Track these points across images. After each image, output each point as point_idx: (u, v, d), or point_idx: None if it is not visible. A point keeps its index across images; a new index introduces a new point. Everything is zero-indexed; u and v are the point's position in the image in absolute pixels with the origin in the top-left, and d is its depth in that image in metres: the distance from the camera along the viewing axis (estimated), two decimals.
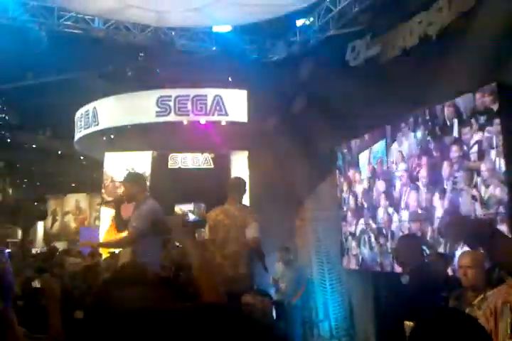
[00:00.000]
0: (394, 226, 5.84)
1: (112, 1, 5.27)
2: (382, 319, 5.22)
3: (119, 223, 4.45)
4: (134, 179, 4.49)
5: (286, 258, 6.97)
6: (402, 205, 5.69)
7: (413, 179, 5.47)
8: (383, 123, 6.00)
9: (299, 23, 6.99)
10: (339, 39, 6.47)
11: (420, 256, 4.11)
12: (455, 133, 4.83)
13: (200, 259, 1.84)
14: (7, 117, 11.23)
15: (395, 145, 5.87)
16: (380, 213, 6.14)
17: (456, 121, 4.83)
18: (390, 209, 5.93)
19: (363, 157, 6.59)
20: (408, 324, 2.93)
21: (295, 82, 7.20)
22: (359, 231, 6.67)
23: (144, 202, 4.20)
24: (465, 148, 4.69)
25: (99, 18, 6.69)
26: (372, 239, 6.29)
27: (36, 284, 2.67)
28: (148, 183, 12.63)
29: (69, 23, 6.72)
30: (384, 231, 6.06)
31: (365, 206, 6.51)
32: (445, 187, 4.95)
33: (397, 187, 5.81)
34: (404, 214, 5.64)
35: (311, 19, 6.81)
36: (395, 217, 5.82)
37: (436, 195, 5.06)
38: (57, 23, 6.65)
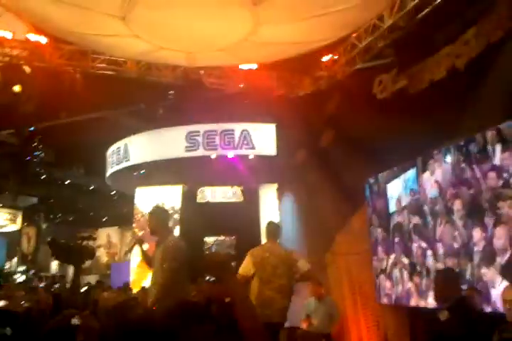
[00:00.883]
0: (428, 261, 5.66)
1: (144, 45, 5.48)
2: None
3: (148, 261, 4.63)
4: (157, 213, 4.68)
5: (318, 293, 6.83)
6: (437, 239, 5.52)
7: (448, 210, 5.30)
8: (413, 156, 5.93)
9: (325, 58, 7.10)
10: (365, 73, 6.53)
11: (458, 291, 3.97)
12: (496, 161, 4.57)
13: (242, 294, 1.83)
14: (43, 154, 11.62)
15: (427, 175, 5.72)
16: (412, 248, 5.98)
17: (498, 146, 4.56)
18: (423, 244, 5.77)
19: (393, 188, 6.48)
20: None
21: (322, 116, 7.25)
22: (390, 266, 6.50)
23: (167, 239, 4.40)
24: (505, 175, 4.47)
25: (131, 60, 6.96)
26: (405, 274, 6.11)
27: (75, 321, 2.69)
28: (178, 217, 12.82)
29: (102, 65, 7.01)
30: (417, 266, 5.88)
31: (396, 240, 6.37)
32: (485, 218, 4.74)
33: (430, 219, 5.65)
34: (439, 249, 5.46)
35: (337, 54, 6.91)
36: (429, 252, 5.64)
37: (475, 228, 4.86)
38: (91, 66, 6.95)
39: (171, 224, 12.90)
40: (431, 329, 4.12)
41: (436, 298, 4.07)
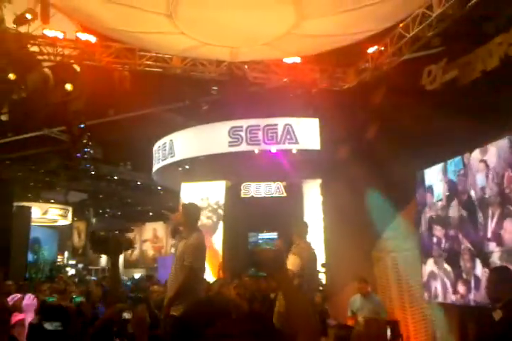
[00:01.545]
0: (478, 257, 5.44)
1: (189, 41, 5.55)
2: None
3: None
4: (189, 208, 4.80)
5: (364, 290, 6.73)
6: (489, 234, 5.29)
7: (504, 199, 5.01)
8: (464, 149, 5.71)
9: (370, 50, 6.95)
10: (413, 64, 6.35)
11: None
12: None
13: (296, 292, 1.79)
14: (92, 151, 12.02)
15: (476, 155, 5.45)
16: (461, 243, 5.76)
17: None
18: (473, 238, 5.54)
19: (440, 182, 6.26)
20: None
21: (367, 109, 7.10)
22: (439, 263, 6.31)
23: (191, 236, 4.49)
24: None
25: (177, 57, 7.06)
26: (455, 272, 5.90)
27: (126, 315, 2.76)
28: (221, 212, 12.94)
29: (149, 62, 7.15)
30: (467, 263, 5.66)
31: (442, 235, 6.16)
32: None
33: (480, 211, 5.38)
34: (491, 245, 5.23)
35: (383, 45, 6.75)
36: (479, 247, 5.42)
37: None
38: (138, 63, 7.09)
39: (214, 219, 13.09)
40: (483, 328, 3.99)
41: (490, 297, 3.93)
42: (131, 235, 19.96)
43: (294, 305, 1.72)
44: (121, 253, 2.84)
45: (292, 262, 4.80)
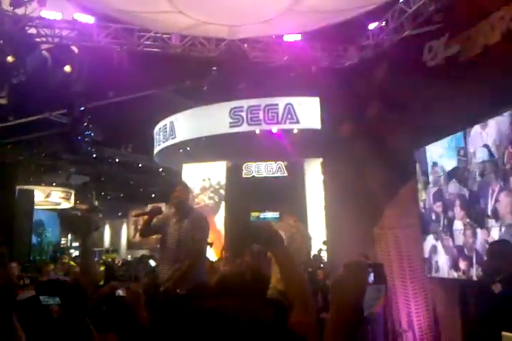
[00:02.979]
0: (479, 234, 5.50)
1: (188, 20, 5.50)
2: (473, 329, 4.94)
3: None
4: (188, 187, 4.80)
5: None
6: (489, 209, 5.32)
7: (506, 174, 5.02)
8: (464, 125, 5.71)
9: (371, 26, 6.88)
10: (414, 40, 6.30)
11: None
12: None
13: (292, 266, 1.79)
14: (92, 134, 12.00)
15: (476, 129, 5.43)
16: (461, 218, 5.81)
17: None
18: (474, 214, 5.58)
19: (440, 157, 6.28)
20: (507, 335, 2.76)
21: (369, 87, 7.07)
22: (439, 239, 6.37)
23: (194, 212, 4.56)
24: None
25: (176, 36, 7.00)
26: (455, 247, 5.97)
27: (120, 292, 2.81)
28: (223, 192, 13.02)
29: (148, 42, 7.09)
30: (469, 238, 5.73)
31: (443, 211, 6.21)
32: None
33: (479, 186, 5.40)
34: (491, 221, 5.27)
35: (384, 21, 6.68)
36: (480, 222, 5.46)
37: None
38: (138, 43, 7.04)
39: (216, 199, 13.17)
40: (483, 302, 4.05)
41: (489, 270, 3.99)
42: (133, 218, 20.09)
43: (290, 279, 1.74)
44: (90, 233, 2.77)
45: None
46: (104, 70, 7.78)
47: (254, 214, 12.73)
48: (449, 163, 6.03)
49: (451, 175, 5.99)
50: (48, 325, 2.19)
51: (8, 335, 1.50)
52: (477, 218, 5.52)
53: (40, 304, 2.43)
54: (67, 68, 7.31)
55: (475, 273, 5.60)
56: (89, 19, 6.76)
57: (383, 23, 6.76)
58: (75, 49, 7.34)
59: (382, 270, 1.37)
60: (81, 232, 2.66)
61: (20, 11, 6.33)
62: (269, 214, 12.61)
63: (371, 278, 1.36)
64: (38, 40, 7.03)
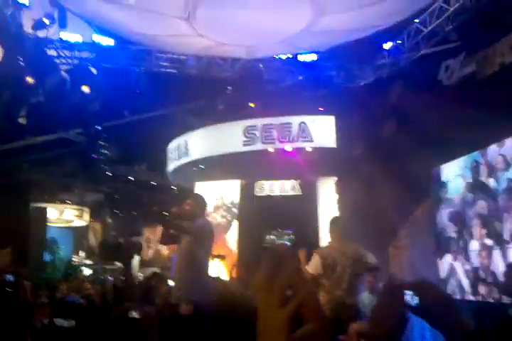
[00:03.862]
0: (495, 254, 5.39)
1: (204, 41, 5.59)
2: None
3: (165, 237, 4.50)
4: (201, 199, 4.57)
5: (371, 285, 6.62)
6: (508, 229, 5.24)
7: None
8: (480, 145, 5.67)
9: (387, 46, 6.93)
10: (430, 59, 6.32)
11: None
12: None
13: (307, 288, 1.78)
14: (107, 152, 12.11)
15: (493, 148, 5.38)
16: (478, 239, 5.72)
17: None
18: (491, 234, 5.49)
19: (456, 177, 6.22)
20: None
21: (385, 106, 7.09)
22: (456, 260, 6.27)
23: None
24: None
25: (193, 57, 7.11)
26: (471, 269, 5.86)
27: (134, 314, 2.78)
28: (236, 211, 12.97)
29: (165, 63, 7.21)
30: (485, 259, 5.62)
31: (459, 231, 6.12)
32: None
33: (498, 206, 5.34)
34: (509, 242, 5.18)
35: (400, 41, 6.72)
36: (498, 243, 5.37)
37: None
38: (155, 64, 7.16)
39: (229, 218, 13.13)
40: (500, 324, 3.96)
41: (508, 293, 3.91)
42: (145, 234, 20.09)
43: (308, 304, 1.70)
44: (131, 258, 2.81)
45: (311, 262, 4.63)
46: (120, 90, 7.90)
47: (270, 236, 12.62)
48: (466, 182, 5.98)
49: (468, 195, 5.93)
50: None
51: None
52: (497, 238, 5.44)
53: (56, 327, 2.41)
54: (86, 89, 7.44)
55: (491, 294, 5.48)
56: (108, 41, 6.90)
57: (399, 42, 6.80)
58: (93, 70, 7.48)
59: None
60: (123, 259, 2.69)
61: (41, 33, 6.48)
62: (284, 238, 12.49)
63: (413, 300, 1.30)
64: (57, 61, 7.19)
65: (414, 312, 1.27)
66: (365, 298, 6.61)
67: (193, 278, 4.03)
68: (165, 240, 4.61)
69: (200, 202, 4.52)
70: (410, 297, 1.26)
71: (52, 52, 7.06)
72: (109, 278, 14.26)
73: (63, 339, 2.26)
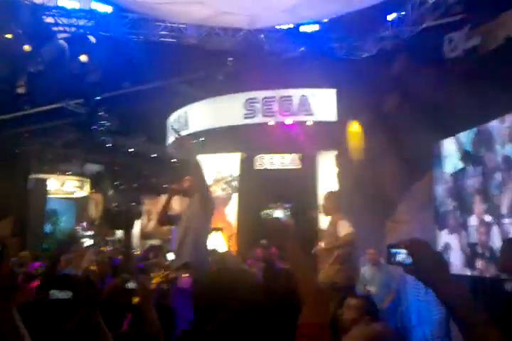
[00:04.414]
0: (493, 230, 5.43)
1: (205, 10, 5.47)
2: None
3: (163, 217, 4.42)
4: (201, 169, 4.33)
5: (374, 259, 6.68)
6: (504, 205, 5.24)
7: None
8: (482, 119, 5.62)
9: (390, 17, 6.79)
10: (434, 31, 6.20)
11: None
12: None
13: (304, 262, 1.76)
14: (108, 123, 12.04)
15: (495, 123, 5.32)
16: (474, 218, 5.74)
17: None
18: (489, 210, 5.51)
19: (455, 149, 6.18)
20: None
21: (387, 79, 6.99)
22: (453, 233, 6.31)
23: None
24: None
25: (192, 26, 6.97)
26: (467, 243, 5.91)
27: (131, 285, 2.79)
28: (236, 184, 13.02)
29: (164, 32, 7.08)
30: (482, 235, 5.66)
31: (458, 206, 6.14)
32: None
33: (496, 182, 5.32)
34: (507, 217, 5.19)
35: (403, 12, 6.58)
36: (495, 219, 5.40)
37: None
38: (154, 33, 7.03)
39: (229, 191, 13.18)
40: (495, 299, 4.02)
41: (503, 269, 3.94)
42: (146, 206, 20.21)
43: (301, 276, 1.71)
44: (132, 226, 2.83)
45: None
46: (120, 60, 7.79)
47: (266, 211, 12.68)
48: (467, 158, 5.96)
49: (467, 170, 5.92)
50: (57, 321, 2.18)
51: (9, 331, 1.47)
52: (492, 215, 5.46)
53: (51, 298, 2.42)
54: (84, 58, 7.33)
55: (488, 270, 5.54)
56: (106, 9, 6.76)
57: (402, 14, 6.66)
58: (92, 39, 7.36)
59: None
60: (124, 226, 2.70)
61: (38, 0, 6.35)
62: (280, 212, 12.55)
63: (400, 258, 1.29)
64: (55, 29, 7.06)
65: (407, 271, 1.27)
66: (367, 272, 6.67)
67: (192, 253, 3.99)
68: (163, 221, 4.53)
69: (201, 173, 4.28)
70: (405, 255, 1.26)
71: (49, 20, 6.92)
72: (109, 248, 14.42)
73: (59, 312, 2.26)
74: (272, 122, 10.86)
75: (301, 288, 1.69)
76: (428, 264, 1.24)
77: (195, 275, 3.65)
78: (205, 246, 4.25)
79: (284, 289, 2.27)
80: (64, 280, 2.58)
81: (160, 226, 4.71)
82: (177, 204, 4.65)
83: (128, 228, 2.80)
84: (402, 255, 1.28)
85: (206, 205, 4.14)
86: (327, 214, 4.98)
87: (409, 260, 1.26)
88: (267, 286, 2.40)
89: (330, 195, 5.28)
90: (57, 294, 2.40)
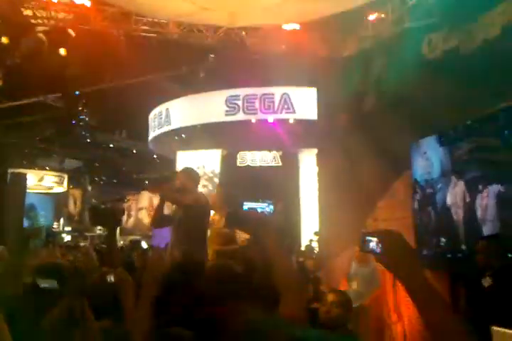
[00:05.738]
0: (470, 228, 5.52)
1: (186, 5, 5.42)
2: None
3: (159, 217, 4.26)
4: (190, 172, 4.34)
5: (361, 258, 6.74)
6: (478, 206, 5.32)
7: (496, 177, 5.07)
8: (462, 120, 5.69)
9: (371, 17, 6.82)
10: (414, 32, 6.25)
11: (504, 257, 3.92)
12: None
13: (283, 253, 1.79)
14: (87, 118, 11.90)
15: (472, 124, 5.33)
16: (453, 214, 5.82)
17: None
18: (465, 210, 5.59)
19: (435, 153, 6.26)
20: (497, 330, 2.78)
21: (367, 78, 7.04)
22: (430, 232, 6.39)
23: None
24: None
25: (173, 22, 6.91)
26: (445, 239, 6.00)
27: (111, 278, 2.76)
28: (217, 180, 13.01)
29: (145, 27, 7.01)
30: (460, 234, 5.75)
31: (435, 204, 6.22)
32: None
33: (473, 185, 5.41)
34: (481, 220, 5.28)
35: (385, 13, 6.63)
36: (470, 218, 5.48)
37: None
38: (134, 28, 6.95)
39: (210, 187, 13.16)
40: (473, 295, 4.09)
41: (480, 264, 4.01)
42: (125, 204, 20.08)
43: (279, 266, 1.73)
44: (119, 224, 2.80)
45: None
46: (100, 54, 7.69)
47: (246, 204, 12.72)
48: (444, 159, 6.02)
49: (444, 171, 5.99)
50: (45, 309, 2.15)
51: None
52: (468, 214, 5.53)
53: (38, 288, 2.38)
54: (63, 51, 7.22)
55: (464, 265, 5.62)
56: (86, 2, 6.65)
57: (383, 15, 6.71)
58: (71, 32, 7.24)
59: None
60: (110, 224, 2.67)
61: None
62: (262, 205, 12.59)
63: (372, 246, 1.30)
64: (33, 21, 6.92)
65: (377, 259, 1.29)
66: (352, 267, 6.72)
67: (191, 247, 3.86)
68: (157, 222, 4.34)
69: (192, 176, 4.29)
70: (376, 244, 1.28)
71: (27, 12, 6.78)
72: (87, 245, 14.29)
73: (44, 301, 2.23)
74: (253, 119, 10.88)
75: (281, 278, 1.71)
76: (397, 254, 1.25)
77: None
78: (203, 240, 4.15)
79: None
80: (50, 269, 2.55)
81: (154, 228, 4.50)
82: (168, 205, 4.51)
83: (115, 226, 2.76)
84: (373, 243, 1.29)
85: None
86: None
87: (379, 248, 1.27)
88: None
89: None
90: (42, 282, 2.36)
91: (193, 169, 4.59)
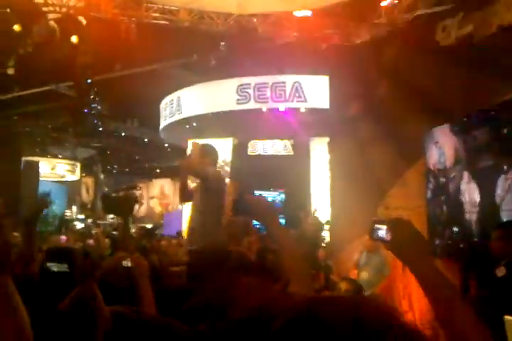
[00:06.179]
0: (484, 217, 5.47)
1: None
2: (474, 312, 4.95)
3: (186, 193, 4.36)
4: (212, 151, 4.33)
5: (368, 245, 6.75)
6: (497, 195, 5.28)
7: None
8: (475, 108, 5.61)
9: (384, 3, 6.72)
10: (428, 18, 6.15)
11: None
12: None
13: (291, 244, 1.80)
14: (99, 107, 11.93)
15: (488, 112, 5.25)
16: (468, 203, 5.77)
17: None
18: (480, 199, 5.55)
19: (449, 142, 6.19)
20: (510, 319, 2.75)
21: (380, 66, 6.95)
22: (445, 220, 6.36)
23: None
24: None
25: (184, 9, 6.87)
26: (459, 228, 5.97)
27: (127, 263, 2.79)
28: (228, 169, 13.03)
29: (156, 14, 6.98)
30: (472, 220, 5.71)
31: (450, 193, 6.17)
32: None
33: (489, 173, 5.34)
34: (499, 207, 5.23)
35: (396, 0, 6.52)
36: (487, 207, 5.44)
37: None
38: (145, 15, 6.92)
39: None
40: (485, 285, 4.06)
41: (495, 253, 3.97)
42: (138, 192, 20.22)
43: (286, 253, 1.74)
44: (132, 213, 2.85)
45: None
46: (111, 42, 7.68)
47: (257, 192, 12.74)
48: (458, 147, 5.96)
49: (458, 159, 5.93)
50: (54, 295, 2.17)
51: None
52: (483, 203, 5.48)
53: (48, 271, 2.40)
54: (75, 39, 7.22)
55: (477, 255, 5.58)
56: None
57: (396, 1, 6.59)
58: (82, 20, 7.23)
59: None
60: (124, 212, 2.71)
61: None
62: (270, 193, 12.57)
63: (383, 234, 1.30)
64: (45, 9, 6.92)
65: (386, 246, 1.29)
66: (363, 257, 6.74)
67: (206, 232, 3.97)
68: (186, 197, 4.43)
69: (210, 153, 4.29)
70: (385, 232, 1.28)
71: (39, 0, 6.79)
72: (99, 232, 14.43)
73: (55, 285, 2.25)
74: (264, 108, 10.83)
75: (289, 264, 1.72)
76: (406, 241, 1.25)
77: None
78: (220, 225, 4.14)
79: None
80: (61, 253, 2.58)
81: (183, 203, 4.69)
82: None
83: (128, 214, 2.82)
84: (383, 231, 1.29)
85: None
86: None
87: (389, 236, 1.27)
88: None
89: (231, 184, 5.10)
90: (54, 267, 2.39)
91: (211, 146, 4.57)
